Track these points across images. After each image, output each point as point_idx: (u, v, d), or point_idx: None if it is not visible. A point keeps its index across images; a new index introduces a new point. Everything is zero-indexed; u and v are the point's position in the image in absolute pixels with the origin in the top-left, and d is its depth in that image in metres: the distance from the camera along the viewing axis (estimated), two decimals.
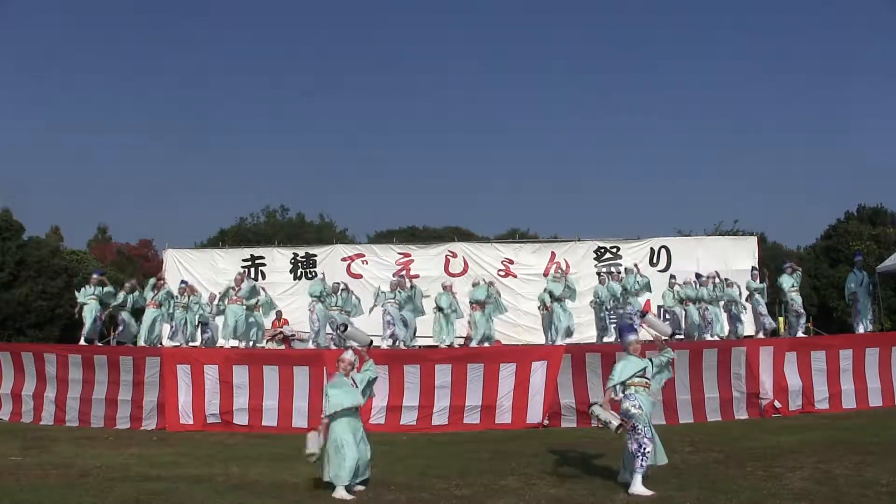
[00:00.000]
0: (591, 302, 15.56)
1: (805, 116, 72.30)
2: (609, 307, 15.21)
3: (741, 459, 8.45)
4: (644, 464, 7.05)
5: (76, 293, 14.95)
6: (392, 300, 13.79)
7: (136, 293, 15.00)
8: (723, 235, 25.86)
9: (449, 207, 74.44)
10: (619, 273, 15.95)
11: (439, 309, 13.80)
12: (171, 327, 14.89)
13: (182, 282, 16.06)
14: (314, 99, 78.08)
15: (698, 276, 15.26)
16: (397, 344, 13.48)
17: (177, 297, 14.91)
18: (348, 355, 7.78)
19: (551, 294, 13.84)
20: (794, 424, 10.98)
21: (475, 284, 14.40)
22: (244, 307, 14.16)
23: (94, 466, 8.87)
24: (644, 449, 7.04)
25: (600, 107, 77.41)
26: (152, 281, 15.12)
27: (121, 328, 14.95)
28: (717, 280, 15.01)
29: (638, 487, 6.97)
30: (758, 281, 14.75)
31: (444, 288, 14.30)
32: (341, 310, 14.29)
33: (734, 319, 15.01)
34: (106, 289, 14.63)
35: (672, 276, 16.47)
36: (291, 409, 11.89)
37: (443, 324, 13.75)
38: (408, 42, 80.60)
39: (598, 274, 16.87)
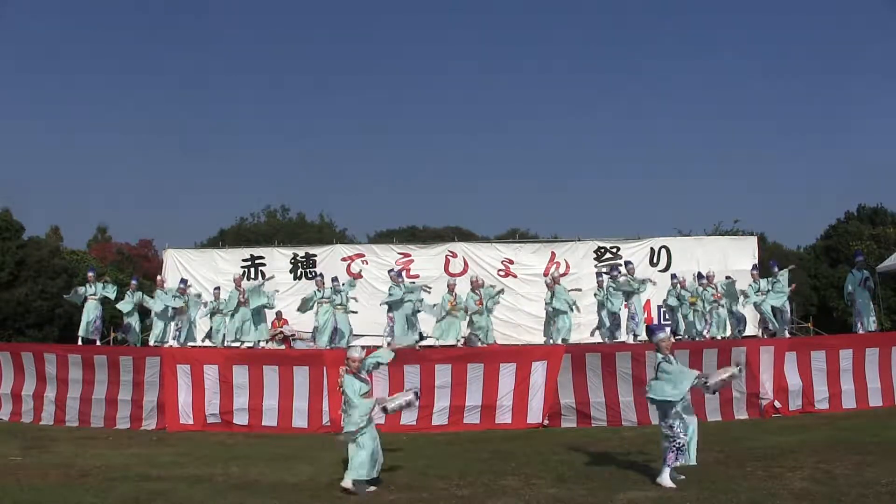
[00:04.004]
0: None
1: (805, 116, 72.35)
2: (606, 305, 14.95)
3: (741, 459, 8.45)
4: (677, 459, 7.32)
5: (79, 289, 15.03)
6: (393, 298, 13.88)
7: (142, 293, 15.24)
8: (723, 235, 25.85)
9: (449, 207, 74.50)
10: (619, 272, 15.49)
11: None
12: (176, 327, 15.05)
13: (182, 281, 16.08)
14: (314, 99, 78.12)
15: (700, 275, 15.24)
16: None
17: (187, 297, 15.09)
18: (356, 353, 7.78)
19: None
20: (794, 424, 10.97)
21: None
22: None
23: (94, 466, 8.87)
24: (677, 443, 7.32)
25: (600, 107, 77.47)
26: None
27: (128, 331, 15.20)
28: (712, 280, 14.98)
29: (665, 479, 7.24)
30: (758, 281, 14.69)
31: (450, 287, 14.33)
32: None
33: (738, 321, 14.95)
34: (108, 286, 14.91)
35: (673, 276, 16.42)
36: (291, 409, 11.89)
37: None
38: (407, 42, 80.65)
39: (598, 275, 16.77)
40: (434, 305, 14.15)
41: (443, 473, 8.14)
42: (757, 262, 18.94)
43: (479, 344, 13.25)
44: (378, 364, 8.14)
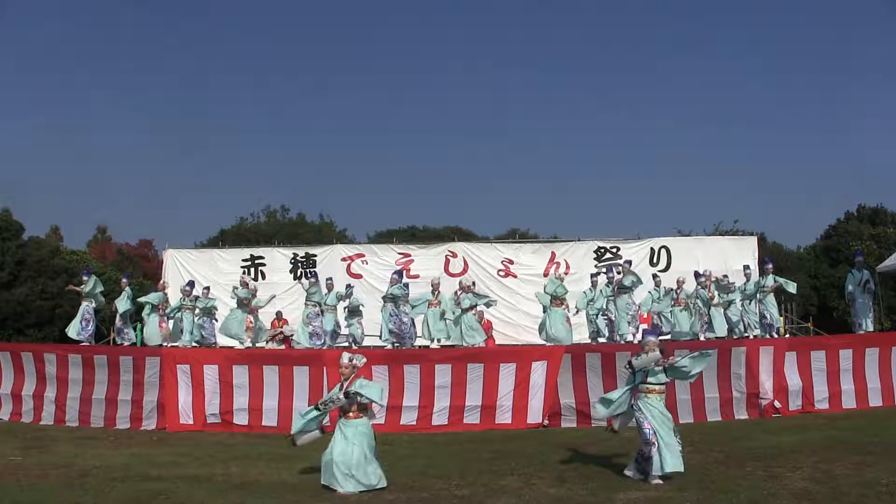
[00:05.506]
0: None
1: (805, 116, 72.39)
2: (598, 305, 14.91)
3: (741, 459, 8.45)
4: (645, 468, 7.41)
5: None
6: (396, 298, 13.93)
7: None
8: (723, 235, 25.88)
9: (449, 207, 74.78)
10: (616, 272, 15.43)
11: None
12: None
13: (188, 283, 16.05)
14: (314, 99, 78.17)
15: (697, 274, 15.23)
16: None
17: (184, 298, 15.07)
18: (346, 359, 7.73)
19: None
20: (794, 424, 10.97)
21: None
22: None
23: (94, 466, 8.86)
24: (644, 453, 7.41)
25: (600, 107, 77.47)
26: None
27: (122, 331, 15.16)
28: (713, 279, 14.96)
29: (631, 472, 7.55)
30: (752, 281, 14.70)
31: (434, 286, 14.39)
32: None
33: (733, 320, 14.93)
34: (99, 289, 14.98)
35: (655, 276, 16.39)
36: (291, 409, 11.82)
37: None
38: (408, 42, 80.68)
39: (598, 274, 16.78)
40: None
41: (443, 473, 8.14)
42: (755, 262, 18.92)
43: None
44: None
